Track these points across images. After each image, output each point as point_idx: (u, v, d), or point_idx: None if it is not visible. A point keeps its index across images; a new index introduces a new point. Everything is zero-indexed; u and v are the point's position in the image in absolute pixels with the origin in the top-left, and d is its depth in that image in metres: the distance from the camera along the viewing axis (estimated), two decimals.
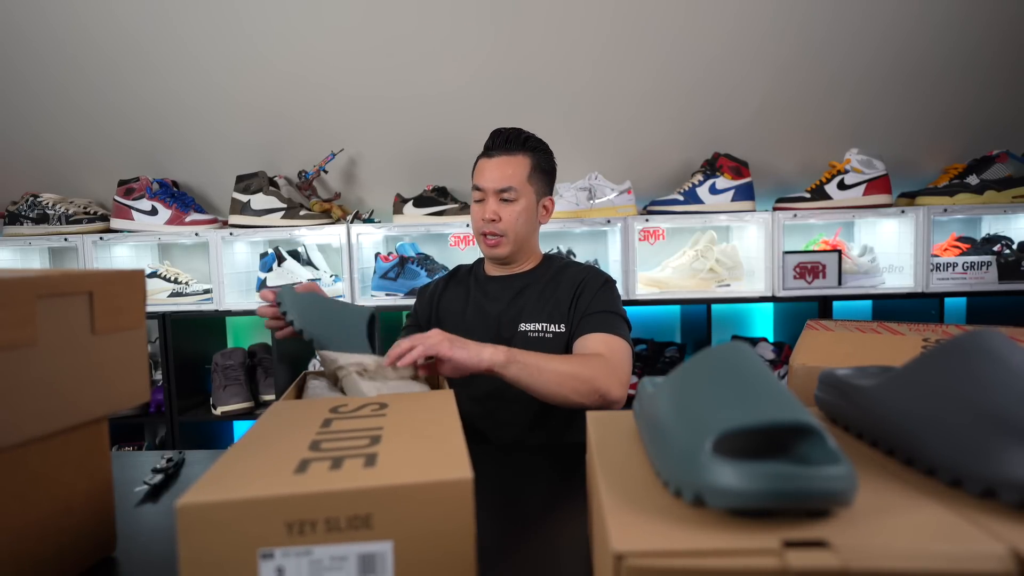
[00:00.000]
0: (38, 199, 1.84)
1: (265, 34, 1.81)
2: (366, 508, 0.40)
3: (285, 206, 1.77)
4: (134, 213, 1.80)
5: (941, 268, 1.66)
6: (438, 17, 1.77)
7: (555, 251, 1.86)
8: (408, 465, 0.44)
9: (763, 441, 0.39)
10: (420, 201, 1.80)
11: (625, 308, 1.11)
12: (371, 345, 0.89)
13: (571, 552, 0.55)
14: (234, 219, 1.77)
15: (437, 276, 1.36)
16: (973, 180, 1.68)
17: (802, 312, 1.80)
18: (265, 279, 1.78)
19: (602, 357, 0.97)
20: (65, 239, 1.79)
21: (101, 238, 1.80)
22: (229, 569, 0.39)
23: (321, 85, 1.87)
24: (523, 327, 1.08)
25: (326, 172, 1.92)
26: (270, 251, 1.81)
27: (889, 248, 1.78)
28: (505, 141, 1.11)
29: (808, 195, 1.72)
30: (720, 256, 1.73)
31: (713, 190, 1.71)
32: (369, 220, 1.86)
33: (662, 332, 2.01)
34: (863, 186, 1.68)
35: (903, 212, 1.67)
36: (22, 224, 1.83)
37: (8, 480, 0.49)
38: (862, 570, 0.31)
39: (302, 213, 1.77)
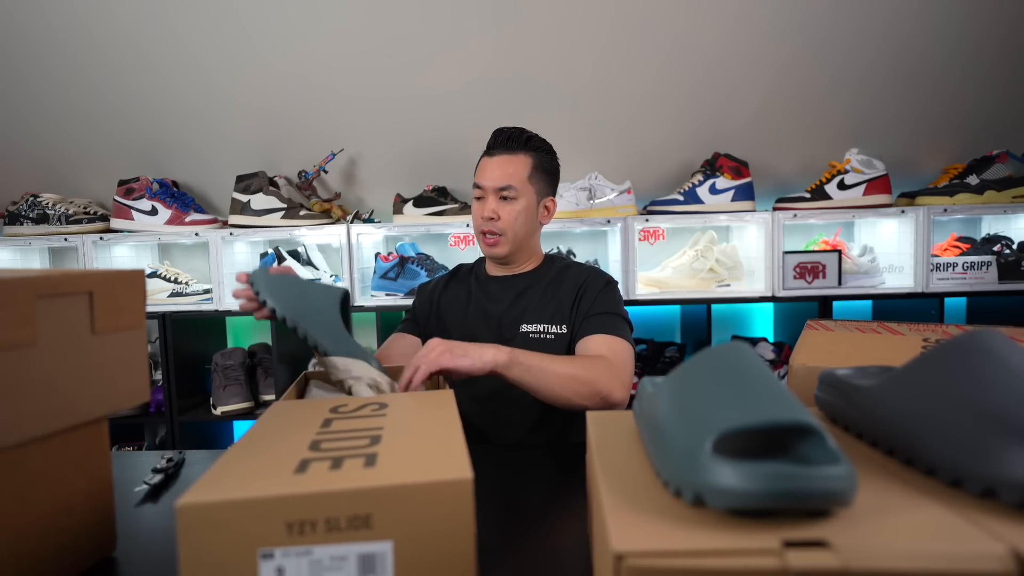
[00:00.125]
0: (38, 199, 1.84)
1: (265, 34, 1.81)
2: (366, 508, 0.40)
3: (285, 206, 1.77)
4: (134, 213, 1.80)
5: (941, 268, 1.66)
6: (438, 17, 1.77)
7: (555, 251, 1.86)
8: (408, 465, 0.44)
9: (763, 441, 0.39)
10: (420, 201, 1.80)
11: (625, 307, 1.11)
12: (345, 325, 0.89)
13: (571, 552, 0.55)
14: (234, 219, 1.77)
15: (438, 275, 1.35)
16: (973, 180, 1.68)
17: (802, 312, 1.80)
18: None
19: (604, 359, 0.97)
20: (65, 239, 1.79)
21: (101, 238, 1.80)
22: (229, 569, 0.39)
23: (321, 85, 1.87)
24: (525, 328, 1.08)
25: (326, 172, 1.92)
26: (270, 251, 1.81)
27: (889, 248, 1.78)
28: (507, 140, 1.11)
29: (808, 195, 1.72)
30: (720, 256, 1.73)
31: (713, 190, 1.71)
32: (369, 220, 1.86)
33: (662, 332, 2.01)
34: (863, 186, 1.68)
35: (903, 212, 1.67)
36: (22, 224, 1.83)
37: (8, 480, 0.49)
38: (862, 570, 0.31)
39: (302, 213, 1.77)
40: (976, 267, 1.65)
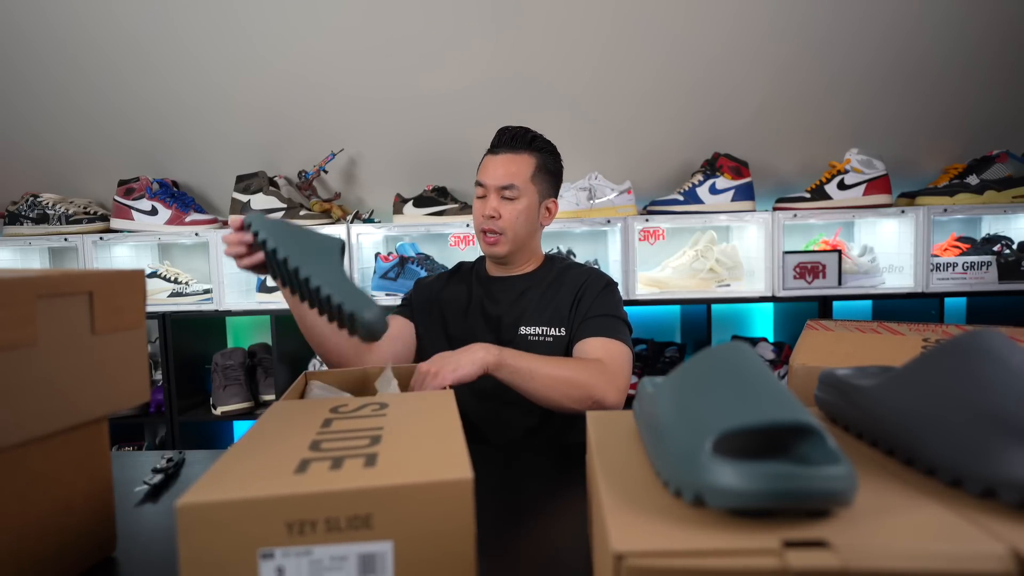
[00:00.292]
0: (38, 199, 1.84)
1: (265, 34, 1.81)
2: (366, 508, 0.40)
3: (285, 206, 1.77)
4: (134, 213, 1.80)
5: (941, 268, 1.66)
6: (438, 17, 1.77)
7: (555, 251, 1.86)
8: (408, 465, 0.44)
9: (763, 441, 0.39)
10: (420, 201, 1.80)
11: (625, 308, 1.11)
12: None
13: (571, 552, 0.55)
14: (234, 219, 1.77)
15: (438, 271, 1.34)
16: (973, 180, 1.68)
17: (802, 312, 1.80)
18: (265, 279, 1.78)
19: (600, 363, 0.96)
20: (65, 239, 1.79)
21: (101, 238, 1.80)
22: (229, 569, 0.39)
23: (321, 85, 1.87)
24: (523, 330, 1.07)
25: (326, 172, 1.92)
26: None
27: (889, 248, 1.78)
28: (511, 139, 1.10)
29: (808, 195, 1.72)
30: (720, 256, 1.73)
31: (713, 190, 1.71)
32: (369, 220, 1.86)
33: (662, 332, 2.01)
34: (863, 186, 1.68)
35: (903, 212, 1.67)
36: (22, 224, 1.83)
37: (8, 480, 0.49)
38: (862, 570, 0.31)
39: (302, 213, 1.77)
40: (976, 267, 1.65)
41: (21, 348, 0.48)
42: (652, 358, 1.83)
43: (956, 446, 0.39)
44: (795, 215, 1.69)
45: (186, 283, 1.85)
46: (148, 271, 1.85)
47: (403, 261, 1.77)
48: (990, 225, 1.86)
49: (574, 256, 1.87)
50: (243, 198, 1.77)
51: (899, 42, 1.76)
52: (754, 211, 1.71)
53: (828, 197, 1.70)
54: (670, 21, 1.76)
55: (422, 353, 1.14)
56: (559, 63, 1.83)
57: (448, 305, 1.15)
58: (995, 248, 1.72)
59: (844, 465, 0.35)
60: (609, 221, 1.72)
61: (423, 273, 1.76)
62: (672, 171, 1.94)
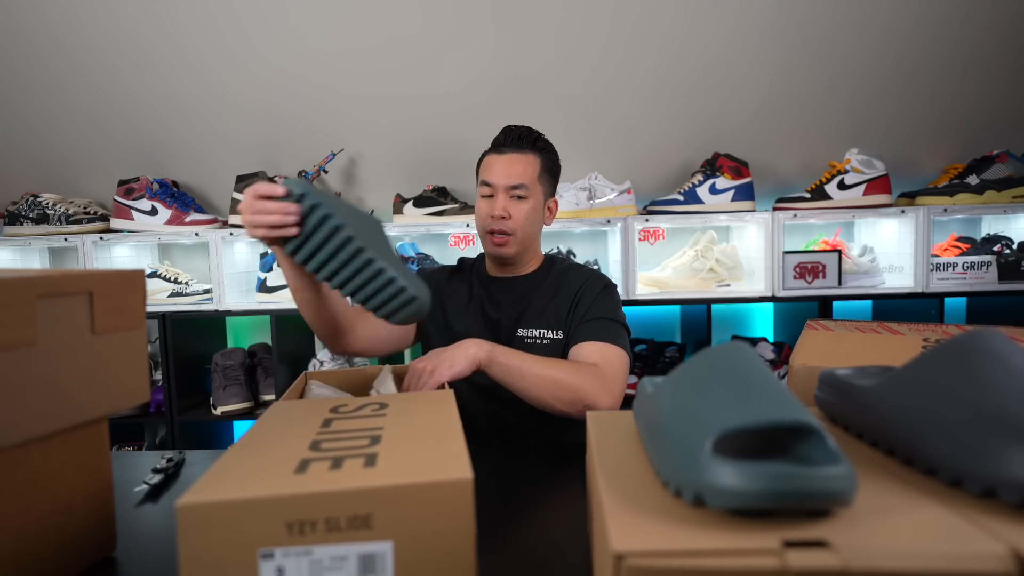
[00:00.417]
0: (38, 199, 1.84)
1: (265, 34, 1.81)
2: (366, 508, 0.40)
3: None
4: (134, 213, 1.80)
5: (941, 268, 1.66)
6: (438, 17, 1.77)
7: (555, 251, 1.86)
8: (408, 465, 0.44)
9: (763, 441, 0.39)
10: (420, 201, 1.80)
11: (625, 308, 1.10)
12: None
13: (571, 552, 0.55)
14: (234, 219, 1.78)
15: (439, 265, 1.32)
16: (973, 180, 1.68)
17: (802, 312, 1.80)
18: (265, 279, 1.78)
19: (595, 367, 0.95)
20: (65, 239, 1.79)
21: (101, 238, 1.80)
22: (229, 569, 0.39)
23: (321, 85, 1.87)
24: (521, 332, 1.07)
25: (326, 172, 1.92)
26: (270, 251, 1.81)
27: (889, 248, 1.78)
28: (517, 139, 1.09)
29: (808, 195, 1.72)
30: (720, 256, 1.73)
31: (713, 190, 1.71)
32: None
33: (662, 332, 2.01)
34: (863, 186, 1.68)
35: (903, 212, 1.68)
36: (22, 224, 1.83)
37: (8, 480, 0.49)
38: (862, 570, 0.31)
39: None
40: (976, 267, 1.65)
41: (21, 348, 0.48)
42: (652, 358, 1.83)
43: (956, 446, 0.39)
44: (795, 215, 1.69)
45: (186, 283, 1.85)
46: (148, 271, 1.85)
47: (403, 261, 1.77)
48: (990, 225, 1.86)
49: (574, 256, 1.87)
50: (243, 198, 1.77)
51: (899, 42, 1.76)
52: (754, 211, 1.71)
53: (828, 197, 1.70)
54: (670, 21, 1.76)
55: (426, 341, 1.14)
56: (559, 63, 1.83)
57: (450, 300, 1.15)
58: (995, 248, 1.72)
59: (844, 465, 0.35)
60: (609, 221, 1.72)
61: None
62: (672, 171, 1.94)
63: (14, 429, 0.48)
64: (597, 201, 1.75)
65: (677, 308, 2.00)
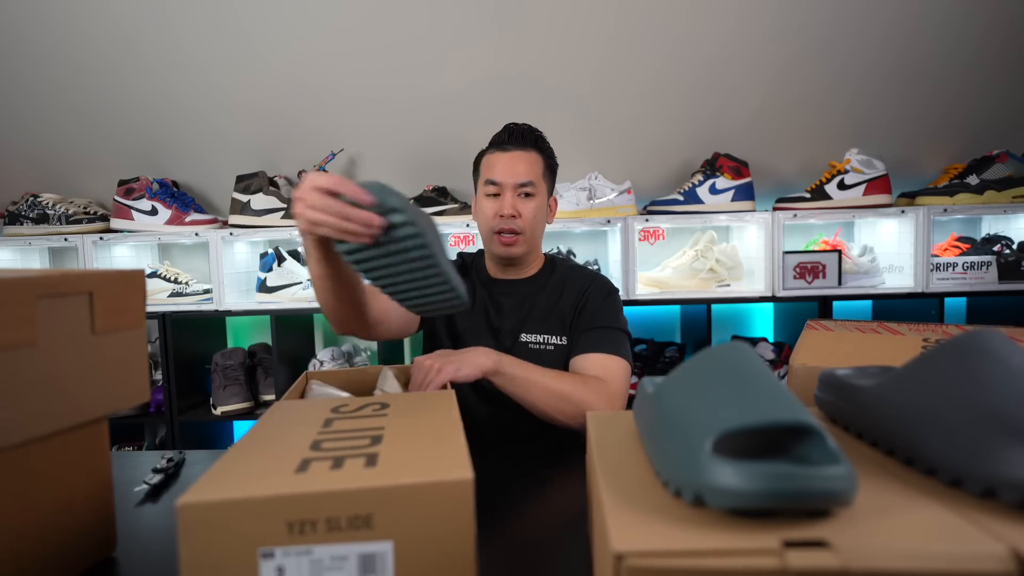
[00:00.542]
0: (38, 199, 1.84)
1: (265, 35, 1.81)
2: (367, 508, 0.40)
3: (285, 206, 1.77)
4: (134, 213, 1.80)
5: (941, 268, 1.66)
6: (439, 18, 1.77)
7: (555, 251, 1.86)
8: (409, 465, 0.44)
9: (763, 441, 0.39)
10: (420, 201, 1.80)
11: (625, 308, 1.10)
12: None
13: (571, 552, 0.55)
14: (234, 219, 1.77)
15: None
16: (973, 180, 1.68)
17: (802, 312, 1.80)
18: (265, 279, 1.78)
19: (601, 381, 0.95)
20: (65, 239, 1.79)
21: (101, 238, 1.80)
22: (230, 568, 0.39)
23: (321, 85, 1.87)
24: (524, 338, 1.06)
25: (325, 172, 1.92)
26: (270, 251, 1.81)
27: (889, 248, 1.78)
28: (521, 136, 1.08)
29: (808, 195, 1.72)
30: (720, 256, 1.73)
31: (713, 190, 1.71)
32: None
33: (662, 332, 2.01)
34: (863, 186, 1.68)
35: (903, 212, 1.68)
36: (22, 224, 1.83)
37: (8, 480, 0.49)
38: (862, 570, 0.31)
39: None
40: (976, 267, 1.65)
41: (21, 348, 0.48)
42: (652, 358, 1.83)
43: (956, 446, 0.39)
44: (795, 215, 1.69)
45: (186, 283, 1.85)
46: (148, 271, 1.85)
47: None
48: (990, 225, 1.86)
49: (574, 256, 1.87)
50: (243, 198, 1.77)
51: (900, 42, 1.76)
52: (754, 211, 1.71)
53: (828, 197, 1.70)
54: (671, 21, 1.76)
55: (430, 330, 1.12)
56: (559, 63, 1.83)
57: None
58: (995, 248, 1.72)
59: (844, 465, 0.35)
60: (609, 221, 1.72)
61: None
62: (672, 171, 1.94)
63: (14, 429, 0.48)
64: (597, 201, 1.75)
65: (677, 308, 2.00)
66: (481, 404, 1.05)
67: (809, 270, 1.67)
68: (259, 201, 1.77)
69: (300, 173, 1.87)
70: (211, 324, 1.99)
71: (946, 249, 1.76)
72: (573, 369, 1.01)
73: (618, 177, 1.81)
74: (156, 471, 0.78)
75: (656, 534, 0.35)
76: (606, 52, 1.81)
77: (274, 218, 1.76)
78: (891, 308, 1.82)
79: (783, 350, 1.79)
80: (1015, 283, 1.66)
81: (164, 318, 1.76)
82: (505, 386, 0.90)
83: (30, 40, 1.82)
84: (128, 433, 2.00)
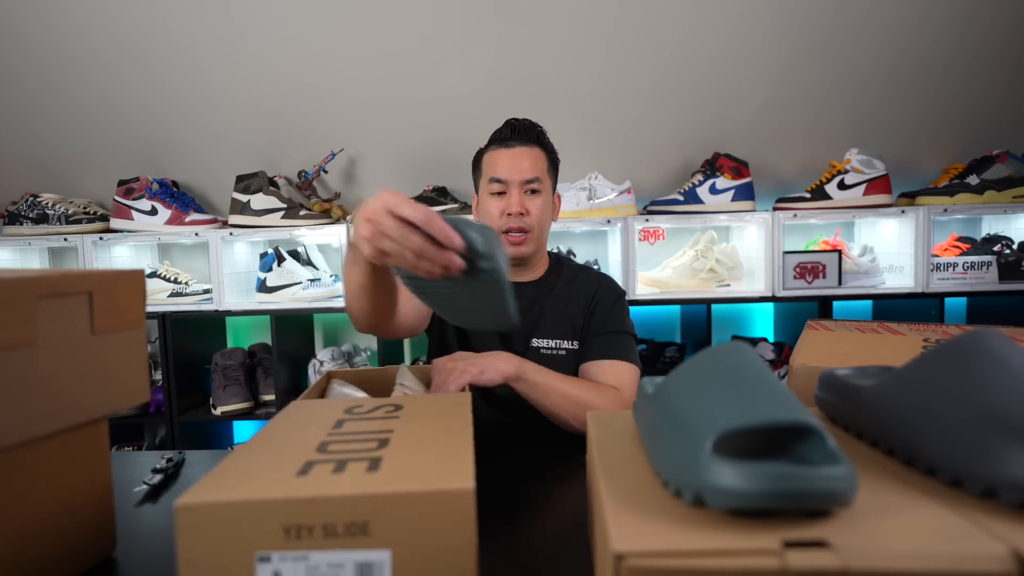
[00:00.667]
0: (38, 199, 1.84)
1: (265, 35, 1.81)
2: (363, 515, 0.39)
3: (285, 206, 1.77)
4: (134, 213, 1.80)
5: (941, 268, 1.66)
6: (439, 18, 1.77)
7: (556, 251, 1.86)
8: (410, 472, 0.43)
9: (763, 441, 0.39)
10: (420, 201, 1.79)
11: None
12: None
13: (571, 552, 0.55)
14: (234, 219, 1.77)
15: None
16: (973, 180, 1.68)
17: (802, 312, 1.80)
18: (265, 279, 1.78)
19: (617, 392, 0.95)
20: (65, 239, 1.79)
21: (101, 238, 1.80)
22: (227, 571, 0.39)
23: (321, 86, 1.87)
24: (536, 343, 1.04)
25: (326, 172, 1.92)
26: (270, 251, 1.81)
27: (889, 248, 1.78)
28: (524, 131, 1.05)
29: (808, 195, 1.72)
30: (720, 256, 1.73)
31: (713, 190, 1.71)
32: None
33: (662, 332, 2.01)
34: (863, 186, 1.68)
35: (903, 212, 1.67)
36: (22, 224, 1.83)
37: (8, 480, 0.49)
38: (862, 570, 0.31)
39: (302, 213, 1.77)
40: (976, 267, 1.65)
41: (21, 348, 0.48)
42: (652, 358, 1.83)
43: (956, 446, 0.39)
44: (795, 215, 1.69)
45: (186, 283, 1.85)
46: (148, 271, 1.85)
47: None
48: (990, 225, 1.86)
49: (574, 256, 1.87)
50: (243, 198, 1.77)
51: (901, 43, 1.76)
52: (754, 211, 1.71)
53: (828, 197, 1.70)
54: (672, 22, 1.76)
55: (438, 331, 1.09)
56: (560, 63, 1.83)
57: None
58: (995, 248, 1.72)
59: (844, 465, 0.35)
60: (609, 221, 1.72)
61: None
62: (672, 171, 1.94)
63: (14, 429, 0.48)
64: (597, 201, 1.75)
65: (677, 308, 2.00)
66: (490, 410, 1.04)
67: (809, 270, 1.67)
68: (259, 201, 1.76)
69: (300, 173, 1.87)
70: (211, 324, 1.99)
71: (946, 249, 1.76)
72: (584, 375, 1.00)
73: (618, 177, 1.81)
74: (156, 471, 0.78)
75: (656, 534, 0.35)
76: (607, 52, 1.81)
77: (274, 218, 1.76)
78: (891, 308, 1.81)
79: (783, 350, 1.79)
80: (1015, 283, 1.66)
81: (164, 318, 1.76)
82: (526, 392, 0.89)
83: (29, 41, 1.82)
84: (128, 433, 2.00)
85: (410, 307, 0.95)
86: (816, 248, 1.75)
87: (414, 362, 1.95)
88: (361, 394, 0.79)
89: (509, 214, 1.01)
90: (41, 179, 1.99)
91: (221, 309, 1.78)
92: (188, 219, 1.80)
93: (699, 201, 1.71)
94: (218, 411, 1.76)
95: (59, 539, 0.53)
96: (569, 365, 1.02)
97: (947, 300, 1.69)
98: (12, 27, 1.80)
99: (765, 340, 1.84)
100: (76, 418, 0.54)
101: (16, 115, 1.93)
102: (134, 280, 0.60)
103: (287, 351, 1.81)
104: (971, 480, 0.38)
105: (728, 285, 1.73)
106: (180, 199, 1.84)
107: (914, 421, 0.43)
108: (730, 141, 1.85)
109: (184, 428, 1.80)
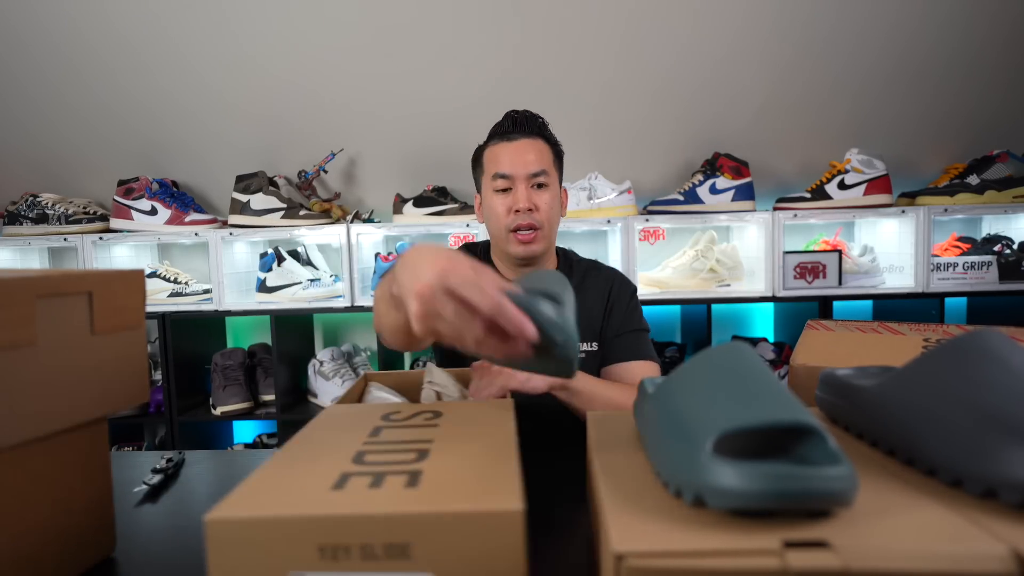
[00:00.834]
0: (37, 199, 1.84)
1: (265, 35, 1.81)
2: (404, 536, 0.36)
3: (285, 206, 1.77)
4: (134, 213, 1.80)
5: (941, 268, 1.66)
6: (439, 18, 1.77)
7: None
8: (453, 489, 0.40)
9: (763, 441, 0.39)
10: (420, 201, 1.80)
11: None
12: None
13: (571, 552, 0.55)
14: (234, 219, 1.77)
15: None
16: (973, 180, 1.68)
17: (802, 312, 1.80)
18: (265, 279, 1.78)
19: None
20: (65, 239, 1.79)
21: (101, 238, 1.80)
22: None
23: (321, 86, 1.87)
24: None
25: (326, 172, 1.92)
26: (270, 251, 1.81)
27: (889, 248, 1.78)
28: (526, 123, 0.99)
29: (808, 195, 1.72)
30: (720, 256, 1.73)
31: (713, 190, 1.71)
32: (369, 220, 1.86)
33: (662, 332, 2.01)
34: (863, 186, 1.68)
35: (903, 212, 1.67)
36: (22, 224, 1.83)
37: (8, 480, 0.49)
38: (862, 570, 0.31)
39: (302, 213, 1.77)
40: (976, 267, 1.65)
41: (21, 348, 0.48)
42: None
43: (957, 446, 0.39)
44: (795, 215, 1.69)
45: (186, 283, 1.85)
46: (148, 271, 1.85)
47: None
48: (990, 225, 1.86)
49: None
50: (243, 198, 1.77)
51: (902, 43, 1.77)
52: (754, 211, 1.71)
53: (828, 197, 1.70)
54: (673, 22, 1.76)
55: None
56: (560, 63, 1.83)
57: None
58: (995, 248, 1.72)
59: (844, 465, 0.35)
60: (609, 221, 1.72)
61: None
62: (672, 171, 1.94)
63: (14, 429, 0.48)
64: (597, 201, 1.75)
65: (677, 308, 2.00)
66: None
67: (809, 270, 1.67)
68: (259, 201, 1.76)
69: (300, 173, 1.87)
70: (211, 324, 1.99)
71: (946, 249, 1.76)
72: (611, 377, 0.97)
73: (618, 177, 1.81)
74: (156, 471, 0.78)
75: (656, 534, 0.35)
76: (606, 53, 1.81)
77: (274, 218, 1.76)
78: (891, 308, 1.81)
79: (783, 350, 1.79)
80: (1015, 283, 1.66)
81: (164, 318, 1.76)
82: (568, 400, 0.85)
83: (28, 43, 1.82)
84: (128, 433, 2.00)
85: None
86: (816, 248, 1.75)
87: (413, 364, 1.95)
88: (399, 398, 0.77)
89: (517, 211, 0.96)
90: (41, 179, 1.99)
91: (221, 309, 1.78)
92: (188, 219, 1.80)
93: (699, 201, 1.71)
94: (218, 411, 1.76)
95: (59, 539, 0.53)
96: (590, 367, 0.98)
97: (947, 300, 1.69)
98: (11, 30, 1.81)
99: (765, 340, 1.84)
100: (76, 418, 0.54)
101: (16, 116, 1.94)
102: (134, 280, 0.60)
103: (287, 351, 1.81)
104: (971, 480, 0.38)
105: (728, 285, 1.73)
106: (180, 199, 1.84)
107: (914, 421, 0.43)
108: (730, 141, 1.85)
109: (184, 428, 1.80)
